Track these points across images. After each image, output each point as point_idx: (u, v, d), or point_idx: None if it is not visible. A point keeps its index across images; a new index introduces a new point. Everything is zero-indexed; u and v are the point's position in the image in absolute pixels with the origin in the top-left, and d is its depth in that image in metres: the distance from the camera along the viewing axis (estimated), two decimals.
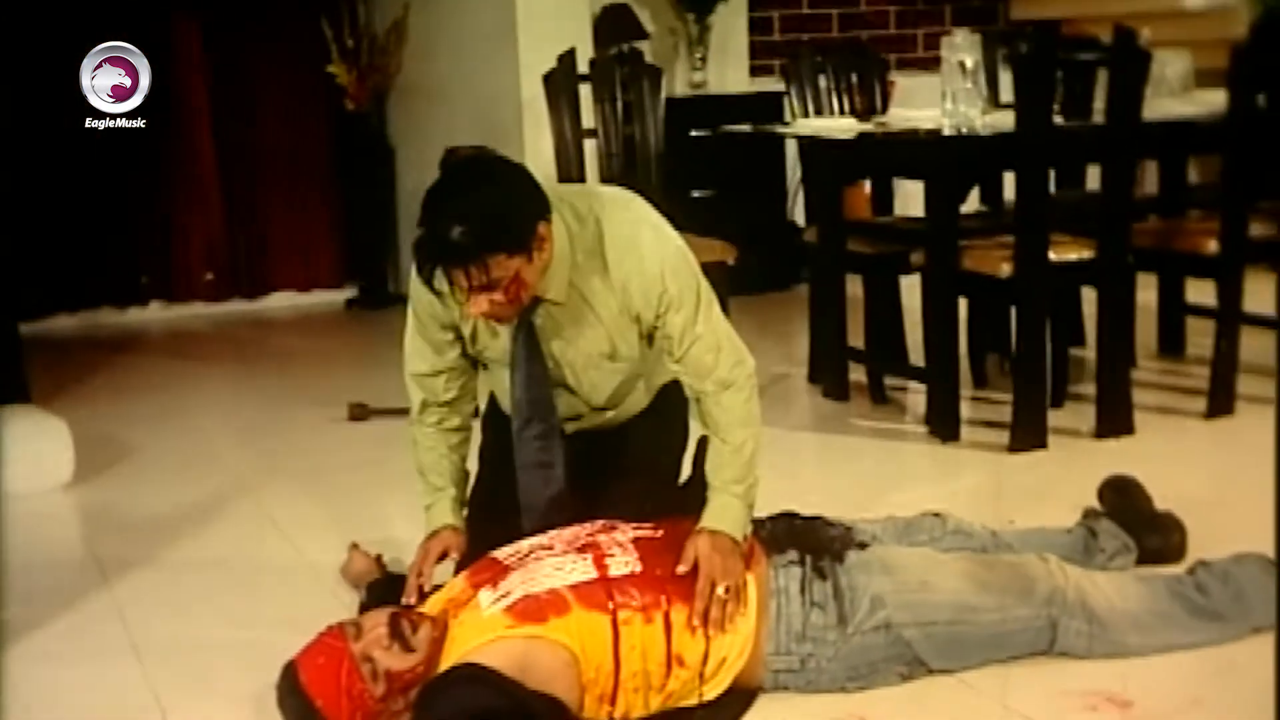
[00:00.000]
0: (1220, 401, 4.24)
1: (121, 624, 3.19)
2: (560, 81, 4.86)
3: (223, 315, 7.03)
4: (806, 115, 4.94)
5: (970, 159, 4.16)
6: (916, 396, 4.58)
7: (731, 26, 7.11)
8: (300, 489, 4.14)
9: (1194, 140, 4.45)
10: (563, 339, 2.74)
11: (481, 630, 2.49)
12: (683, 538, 2.64)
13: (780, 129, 4.69)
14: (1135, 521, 3.12)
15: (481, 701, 2.36)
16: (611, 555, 2.58)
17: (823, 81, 5.00)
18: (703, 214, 5.06)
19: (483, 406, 3.04)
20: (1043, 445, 4.06)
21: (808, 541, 2.70)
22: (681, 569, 2.56)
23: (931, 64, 5.34)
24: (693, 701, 2.56)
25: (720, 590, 2.54)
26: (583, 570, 2.55)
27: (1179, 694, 2.57)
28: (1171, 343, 5.06)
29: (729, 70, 7.10)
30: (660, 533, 2.68)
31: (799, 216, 6.57)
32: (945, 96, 4.21)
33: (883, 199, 5.07)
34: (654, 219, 2.71)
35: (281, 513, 3.93)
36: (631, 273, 2.64)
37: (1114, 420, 4.12)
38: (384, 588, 3.02)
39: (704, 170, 6.53)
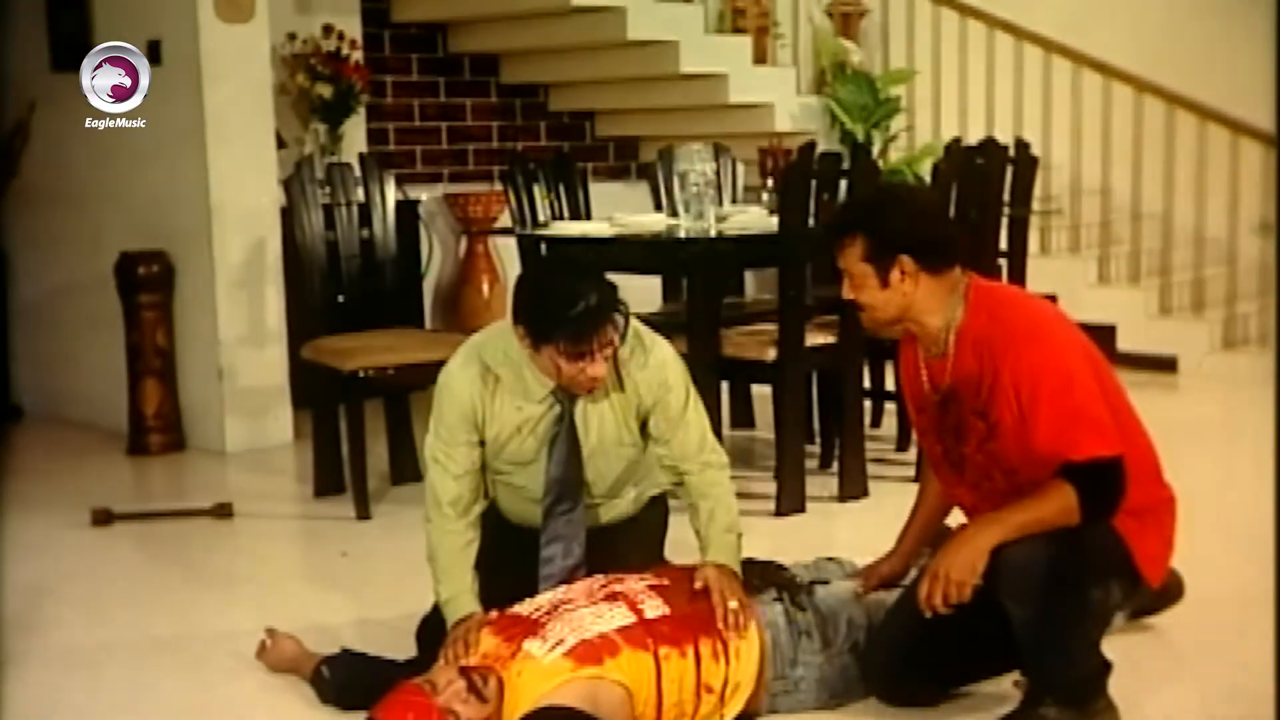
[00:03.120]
0: None
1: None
2: (301, 186, 5.00)
3: None
4: (524, 220, 5.31)
5: (736, 257, 4.67)
6: None
7: (352, 139, 7.35)
8: (99, 589, 4.13)
9: None
10: (585, 426, 3.11)
11: (547, 676, 2.72)
12: (686, 580, 2.99)
13: (542, 231, 5.02)
14: None
15: None
16: (642, 602, 2.88)
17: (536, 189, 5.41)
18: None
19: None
20: (802, 509, 4.60)
21: (779, 580, 3.09)
22: (697, 585, 2.95)
23: None
24: None
25: (732, 604, 2.92)
26: (622, 616, 2.85)
27: None
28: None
29: None
30: (666, 580, 3.00)
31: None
32: (683, 202, 4.73)
33: None
34: (642, 325, 3.14)
35: (106, 608, 3.90)
36: (640, 367, 3.10)
37: (854, 485, 4.73)
38: (346, 665, 3.15)
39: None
